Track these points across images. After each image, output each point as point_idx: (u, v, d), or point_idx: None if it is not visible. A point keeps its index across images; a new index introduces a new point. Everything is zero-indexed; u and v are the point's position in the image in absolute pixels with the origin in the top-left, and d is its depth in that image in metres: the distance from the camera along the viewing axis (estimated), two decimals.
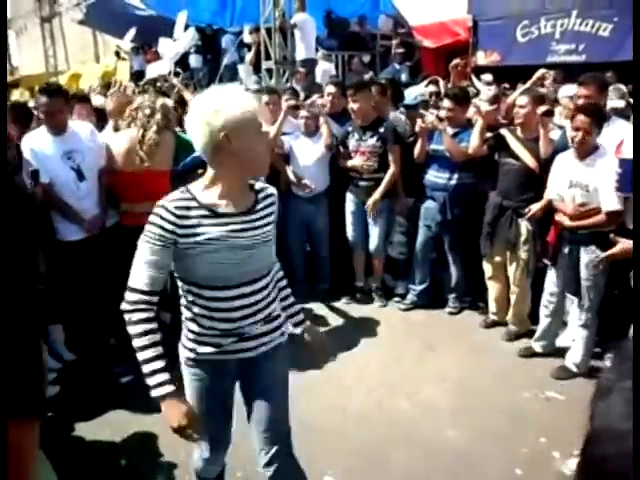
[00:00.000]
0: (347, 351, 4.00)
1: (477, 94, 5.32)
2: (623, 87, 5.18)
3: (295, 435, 2.83)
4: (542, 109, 3.75)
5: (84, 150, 3.60)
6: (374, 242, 4.64)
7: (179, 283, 1.91)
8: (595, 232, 3.31)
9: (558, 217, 3.53)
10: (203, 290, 1.84)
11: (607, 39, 7.98)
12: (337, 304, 4.77)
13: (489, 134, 4.15)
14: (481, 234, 4.14)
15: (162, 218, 1.75)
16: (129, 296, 1.78)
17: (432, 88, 5.39)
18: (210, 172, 1.83)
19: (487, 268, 4.24)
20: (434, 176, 4.36)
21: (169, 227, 1.75)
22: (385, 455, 2.90)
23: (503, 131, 4.05)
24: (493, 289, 4.28)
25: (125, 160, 3.56)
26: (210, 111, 1.71)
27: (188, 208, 1.77)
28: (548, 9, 8.38)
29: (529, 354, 3.87)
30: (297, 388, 3.51)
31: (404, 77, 8.71)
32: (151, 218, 1.78)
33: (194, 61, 11.38)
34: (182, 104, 4.76)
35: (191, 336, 1.94)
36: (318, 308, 4.67)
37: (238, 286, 1.86)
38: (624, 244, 2.96)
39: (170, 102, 3.95)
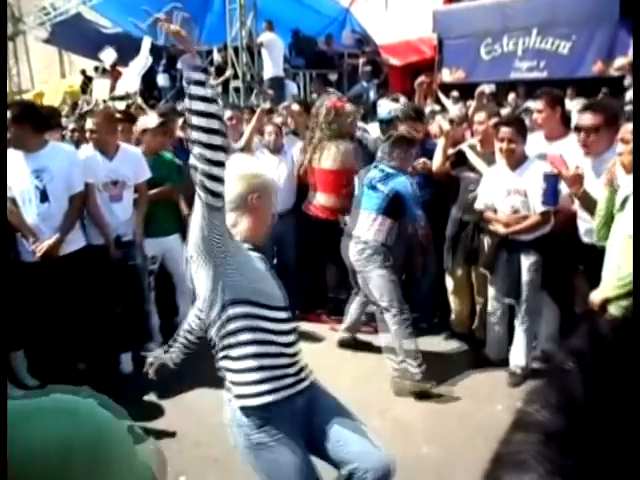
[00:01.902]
0: (318, 368, 3.96)
1: (443, 110, 5.40)
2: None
3: None
4: (492, 122, 3.89)
5: (54, 172, 3.50)
6: None
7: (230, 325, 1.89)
8: (535, 238, 3.49)
9: (492, 227, 3.64)
10: (261, 310, 1.90)
11: (567, 56, 8.24)
12: (307, 320, 4.73)
13: (451, 150, 4.22)
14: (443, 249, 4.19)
15: None
16: None
17: (406, 106, 5.44)
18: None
19: (449, 282, 4.28)
20: None
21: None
22: None
23: (463, 147, 4.12)
24: (455, 303, 4.31)
25: (309, 158, 4.45)
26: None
27: None
28: (509, 27, 8.61)
29: (484, 363, 3.91)
30: None
31: (372, 95, 8.82)
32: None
33: (162, 80, 11.33)
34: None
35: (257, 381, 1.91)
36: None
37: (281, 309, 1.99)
38: None
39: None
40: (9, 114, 3.38)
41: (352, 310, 4.17)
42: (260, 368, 1.90)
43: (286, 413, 1.93)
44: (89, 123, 3.89)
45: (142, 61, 9.59)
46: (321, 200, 4.49)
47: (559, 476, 0.31)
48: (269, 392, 1.90)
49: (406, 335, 3.62)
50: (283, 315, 1.98)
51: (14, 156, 3.45)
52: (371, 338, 4.42)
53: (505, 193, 3.56)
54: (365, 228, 3.74)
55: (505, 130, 3.44)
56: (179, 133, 4.81)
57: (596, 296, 2.81)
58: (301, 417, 2.00)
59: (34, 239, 3.49)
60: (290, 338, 2.00)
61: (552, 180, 3.15)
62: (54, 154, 3.55)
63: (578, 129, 3.25)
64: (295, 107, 4.99)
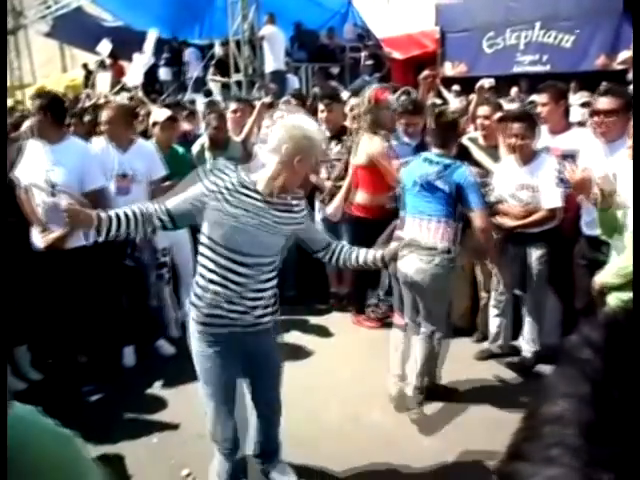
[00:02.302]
0: (321, 361, 3.97)
1: (444, 104, 5.37)
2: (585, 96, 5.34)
3: None
4: (497, 116, 3.92)
5: (68, 167, 3.50)
6: None
7: (207, 252, 2.26)
8: (542, 231, 3.52)
9: (500, 220, 3.66)
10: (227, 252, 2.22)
11: (570, 50, 8.19)
12: (310, 313, 4.74)
13: None
14: None
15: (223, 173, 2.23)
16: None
17: (404, 99, 5.42)
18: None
19: None
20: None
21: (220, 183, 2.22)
22: (362, 466, 2.86)
23: (465, 141, 4.12)
24: (457, 297, 4.29)
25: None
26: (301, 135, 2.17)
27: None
28: (512, 21, 8.56)
29: (486, 356, 3.93)
30: None
31: None
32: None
33: (163, 74, 11.32)
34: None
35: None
36: (289, 317, 4.63)
37: (246, 255, 2.23)
38: None
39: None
40: (36, 102, 3.48)
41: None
42: (216, 293, 2.25)
43: (225, 338, 2.29)
44: (103, 115, 3.88)
45: (148, 54, 9.58)
46: (354, 197, 4.34)
47: (599, 466, 0.30)
48: (215, 317, 2.28)
49: (429, 357, 3.33)
50: (248, 260, 2.25)
51: (35, 146, 3.52)
52: (374, 332, 4.43)
53: (515, 188, 3.58)
54: (429, 235, 3.13)
55: (517, 126, 3.44)
56: (184, 126, 4.81)
57: (596, 280, 2.83)
58: (242, 347, 2.35)
59: (42, 228, 3.51)
60: (251, 282, 2.28)
61: (568, 160, 3.24)
62: (70, 149, 3.56)
63: (596, 113, 3.25)
64: (291, 101, 5.00)
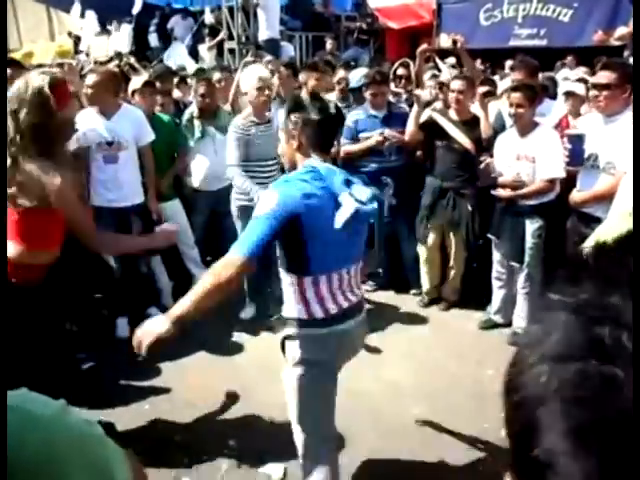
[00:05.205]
0: None
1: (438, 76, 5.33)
2: (582, 71, 5.32)
3: (259, 418, 2.82)
4: (482, 90, 3.97)
5: None
6: None
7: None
8: (539, 204, 3.59)
9: (496, 192, 3.72)
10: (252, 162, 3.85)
11: (567, 24, 8.11)
12: None
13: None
14: (416, 217, 4.22)
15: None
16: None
17: (402, 71, 5.35)
18: None
19: (422, 251, 4.30)
20: (374, 162, 4.25)
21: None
22: (351, 435, 2.91)
23: (434, 115, 4.11)
24: (429, 270, 4.35)
25: None
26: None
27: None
28: None
29: (490, 326, 4.02)
30: (260, 372, 3.53)
31: (367, 59, 8.68)
32: None
33: (154, 40, 11.09)
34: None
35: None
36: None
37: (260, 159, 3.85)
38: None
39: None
40: None
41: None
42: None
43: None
44: (88, 79, 3.79)
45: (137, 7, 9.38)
46: None
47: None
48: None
49: None
50: (267, 163, 3.78)
51: None
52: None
53: (514, 158, 3.63)
54: None
55: (514, 95, 3.55)
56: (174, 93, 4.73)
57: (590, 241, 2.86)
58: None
59: None
60: (270, 173, 3.77)
61: (577, 140, 3.25)
62: None
63: (594, 86, 3.27)
64: (283, 71, 4.89)
